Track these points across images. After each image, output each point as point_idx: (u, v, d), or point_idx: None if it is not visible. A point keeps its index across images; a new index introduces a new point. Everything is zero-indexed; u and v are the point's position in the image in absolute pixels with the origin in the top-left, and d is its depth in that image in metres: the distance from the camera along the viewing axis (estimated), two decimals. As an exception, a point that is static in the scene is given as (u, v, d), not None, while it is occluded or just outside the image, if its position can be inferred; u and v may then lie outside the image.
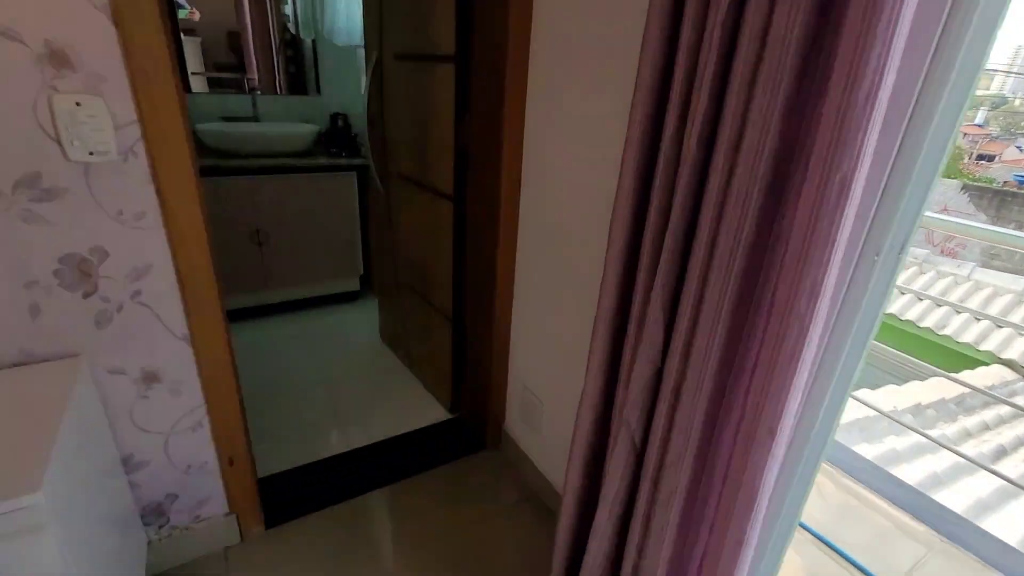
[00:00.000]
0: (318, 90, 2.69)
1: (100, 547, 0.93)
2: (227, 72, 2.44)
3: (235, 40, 2.41)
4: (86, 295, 0.96)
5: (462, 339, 1.80)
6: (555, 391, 1.43)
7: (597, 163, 1.10)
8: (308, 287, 2.62)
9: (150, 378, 1.08)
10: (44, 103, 0.83)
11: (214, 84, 2.45)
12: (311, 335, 2.44)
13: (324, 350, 2.32)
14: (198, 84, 2.41)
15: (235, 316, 2.50)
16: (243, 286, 2.40)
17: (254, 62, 2.49)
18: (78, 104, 0.85)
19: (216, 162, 2.15)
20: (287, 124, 2.58)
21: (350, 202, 2.51)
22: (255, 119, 2.53)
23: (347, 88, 2.69)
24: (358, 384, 2.09)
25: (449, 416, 1.92)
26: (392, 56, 1.76)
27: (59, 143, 0.86)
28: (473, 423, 1.84)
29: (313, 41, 2.61)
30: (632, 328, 0.84)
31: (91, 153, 0.88)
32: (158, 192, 0.96)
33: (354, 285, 2.77)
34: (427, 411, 1.94)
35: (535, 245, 1.40)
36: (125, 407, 1.08)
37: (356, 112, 2.58)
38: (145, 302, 1.02)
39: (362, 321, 2.59)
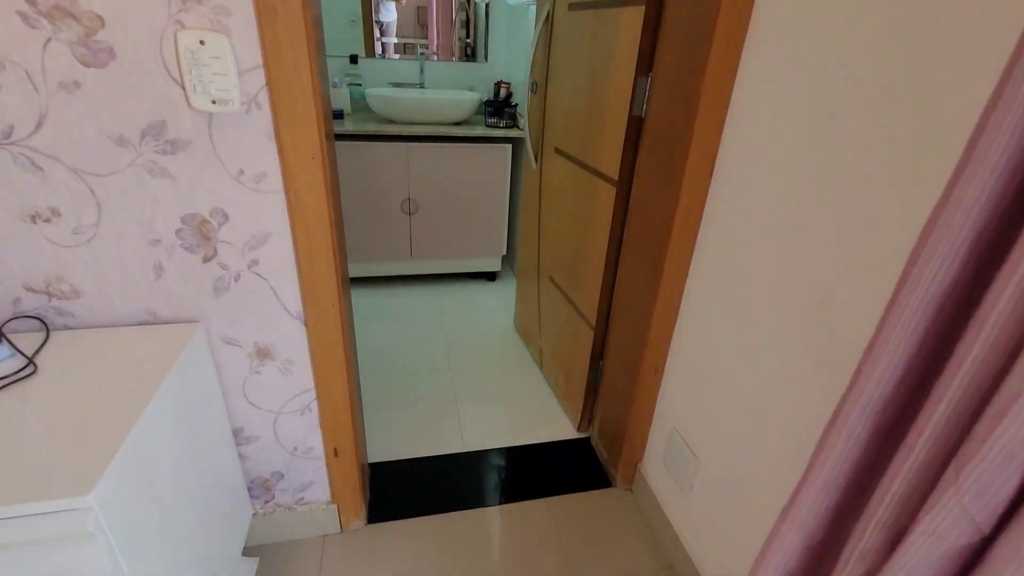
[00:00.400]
0: (486, 57, 2.56)
1: (211, 506, 0.94)
2: (410, 39, 2.49)
3: (423, 15, 2.48)
4: (206, 259, 0.89)
5: (603, 352, 1.50)
6: (720, 452, 1.07)
7: (862, 155, 0.70)
8: (450, 262, 2.55)
9: (263, 353, 1.00)
10: (170, 40, 0.73)
11: (397, 50, 2.49)
12: (445, 311, 2.36)
13: (455, 329, 2.21)
14: (384, 52, 2.48)
15: (378, 282, 2.54)
16: (390, 254, 2.40)
17: (435, 31, 2.51)
18: (202, 43, 0.74)
19: (377, 127, 2.13)
20: (451, 92, 2.50)
21: (501, 177, 2.35)
22: (421, 85, 2.49)
23: (513, 54, 2.49)
24: (483, 374, 1.93)
25: (576, 435, 1.65)
26: (566, 7, 1.48)
27: (183, 88, 0.76)
28: (603, 451, 1.55)
29: (487, 5, 2.47)
30: (929, 438, 0.47)
31: (213, 102, 0.77)
32: (280, 152, 0.83)
33: (495, 265, 2.63)
34: (553, 422, 1.70)
35: (722, 257, 1.02)
36: (239, 379, 1.02)
37: (520, 80, 2.38)
38: (261, 273, 0.92)
39: (498, 305, 2.44)
